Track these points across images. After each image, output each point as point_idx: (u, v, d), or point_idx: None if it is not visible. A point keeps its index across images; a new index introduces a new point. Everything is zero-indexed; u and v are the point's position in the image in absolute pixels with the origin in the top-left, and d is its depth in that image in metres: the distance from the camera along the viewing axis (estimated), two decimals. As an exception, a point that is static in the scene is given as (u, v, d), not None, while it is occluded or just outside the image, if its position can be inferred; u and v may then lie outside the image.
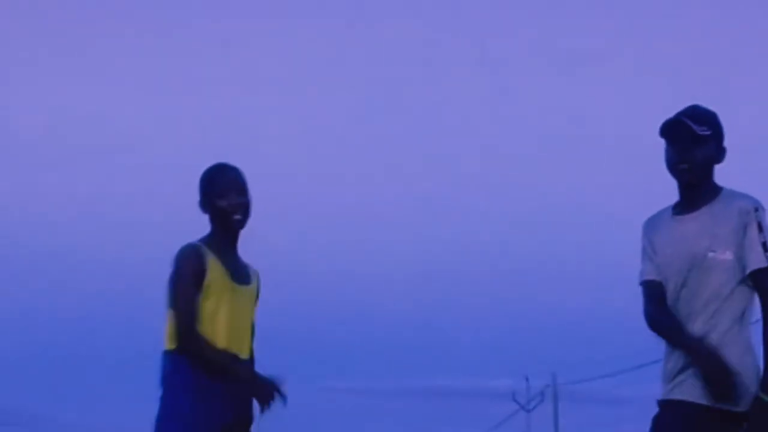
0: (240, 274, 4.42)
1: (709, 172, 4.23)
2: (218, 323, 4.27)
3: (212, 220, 4.43)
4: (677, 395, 4.14)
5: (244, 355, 4.37)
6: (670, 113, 4.23)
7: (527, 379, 47.82)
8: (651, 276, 4.29)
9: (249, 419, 4.38)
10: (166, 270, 4.39)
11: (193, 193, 4.48)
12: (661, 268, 4.26)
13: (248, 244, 4.50)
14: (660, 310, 4.24)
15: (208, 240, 4.41)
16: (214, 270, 4.32)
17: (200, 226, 4.49)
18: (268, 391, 4.30)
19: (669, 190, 4.28)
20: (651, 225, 4.36)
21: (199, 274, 4.29)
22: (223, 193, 4.37)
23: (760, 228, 4.09)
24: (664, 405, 4.19)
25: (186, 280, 4.29)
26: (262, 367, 4.44)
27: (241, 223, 4.41)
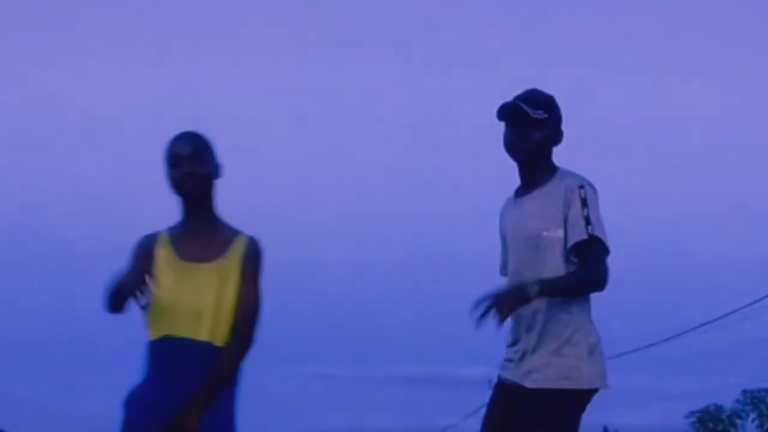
0: (201, 251, 4.13)
1: (546, 154, 4.28)
2: (162, 308, 4.07)
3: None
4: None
5: (201, 336, 4.04)
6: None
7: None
8: (504, 271, 4.44)
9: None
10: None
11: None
12: (508, 251, 4.37)
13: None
14: None
15: (177, 222, 4.22)
16: (162, 255, 4.13)
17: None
18: (132, 281, 3.97)
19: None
20: (501, 210, 4.47)
21: (147, 258, 4.12)
22: (174, 162, 4.12)
23: (584, 203, 4.12)
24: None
25: (131, 267, 4.11)
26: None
27: (190, 193, 4.12)
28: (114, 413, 4.06)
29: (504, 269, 4.43)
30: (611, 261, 4.19)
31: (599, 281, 4.13)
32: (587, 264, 4.11)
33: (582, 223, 4.10)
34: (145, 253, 4.13)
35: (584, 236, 4.08)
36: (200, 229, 4.16)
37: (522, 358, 4.21)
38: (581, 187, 4.14)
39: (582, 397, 4.14)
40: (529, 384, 4.15)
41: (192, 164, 4.09)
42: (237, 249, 4.13)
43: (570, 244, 4.11)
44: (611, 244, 4.17)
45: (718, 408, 48.80)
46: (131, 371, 4.12)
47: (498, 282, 4.39)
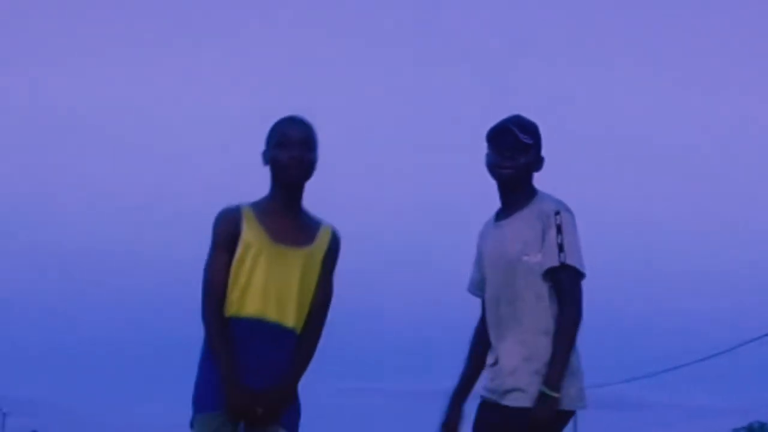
0: (291, 235, 4.14)
1: (529, 178, 4.36)
2: (252, 287, 4.07)
3: (271, 174, 4.19)
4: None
5: (288, 322, 4.09)
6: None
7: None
8: (472, 289, 4.51)
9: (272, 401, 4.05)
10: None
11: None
12: (487, 274, 4.39)
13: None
14: (475, 331, 4.51)
15: (262, 199, 4.21)
16: (251, 232, 4.10)
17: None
18: (238, 403, 3.99)
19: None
20: (481, 232, 4.52)
21: (233, 237, 4.09)
22: (283, 143, 4.12)
23: (559, 230, 4.19)
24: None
25: (216, 246, 4.12)
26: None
27: (295, 177, 4.13)
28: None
29: (473, 287, 4.49)
30: (585, 284, 4.26)
31: (578, 319, 4.19)
32: (561, 298, 4.18)
33: (555, 250, 4.17)
34: (232, 230, 4.12)
35: (555, 263, 4.17)
36: (290, 214, 4.18)
37: (504, 377, 4.26)
38: (557, 213, 4.22)
39: (561, 418, 4.18)
40: (511, 403, 4.21)
41: (301, 149, 4.13)
42: (323, 238, 4.22)
43: (543, 269, 4.20)
44: (587, 267, 4.24)
45: (762, 425, 48.40)
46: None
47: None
